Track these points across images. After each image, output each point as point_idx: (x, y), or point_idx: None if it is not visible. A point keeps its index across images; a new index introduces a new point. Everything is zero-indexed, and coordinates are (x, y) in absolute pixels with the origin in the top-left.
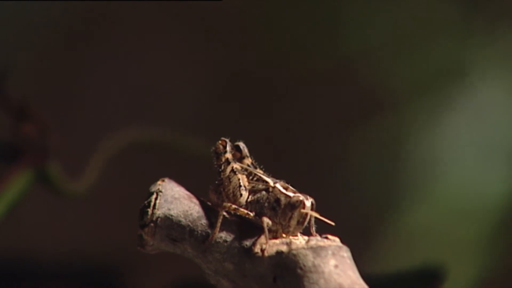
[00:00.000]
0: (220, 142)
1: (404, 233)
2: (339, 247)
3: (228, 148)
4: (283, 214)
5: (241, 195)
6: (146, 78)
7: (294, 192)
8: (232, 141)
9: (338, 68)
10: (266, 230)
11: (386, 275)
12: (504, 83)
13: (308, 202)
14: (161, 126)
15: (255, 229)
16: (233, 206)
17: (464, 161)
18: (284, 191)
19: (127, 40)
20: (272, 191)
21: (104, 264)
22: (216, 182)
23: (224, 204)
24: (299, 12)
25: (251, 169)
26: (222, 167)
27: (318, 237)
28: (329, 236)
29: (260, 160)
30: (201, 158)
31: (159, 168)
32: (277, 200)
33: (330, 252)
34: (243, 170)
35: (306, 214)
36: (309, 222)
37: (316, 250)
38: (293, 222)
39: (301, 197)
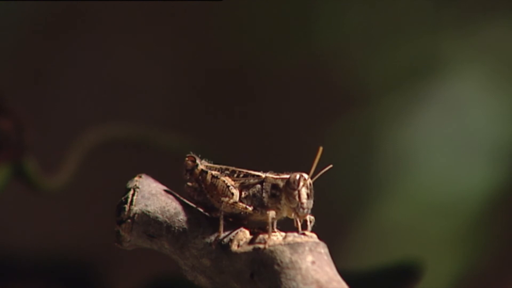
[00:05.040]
0: (187, 159)
1: (380, 229)
2: (316, 243)
3: (197, 161)
4: (290, 195)
5: (232, 194)
6: (121, 75)
7: (287, 174)
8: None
9: (310, 65)
10: (270, 224)
11: (364, 271)
12: (477, 77)
13: (305, 174)
14: (137, 122)
15: (233, 226)
16: (231, 200)
17: (437, 156)
18: (277, 176)
19: (103, 37)
20: (265, 181)
21: (81, 260)
22: (192, 183)
23: (222, 199)
24: (271, 10)
25: (233, 167)
26: (201, 178)
27: (296, 234)
28: (306, 232)
29: (232, 156)
30: (177, 154)
31: (136, 164)
32: (275, 186)
33: (307, 248)
34: (224, 171)
35: (310, 184)
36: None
37: (293, 246)
38: (304, 196)
39: (297, 173)
